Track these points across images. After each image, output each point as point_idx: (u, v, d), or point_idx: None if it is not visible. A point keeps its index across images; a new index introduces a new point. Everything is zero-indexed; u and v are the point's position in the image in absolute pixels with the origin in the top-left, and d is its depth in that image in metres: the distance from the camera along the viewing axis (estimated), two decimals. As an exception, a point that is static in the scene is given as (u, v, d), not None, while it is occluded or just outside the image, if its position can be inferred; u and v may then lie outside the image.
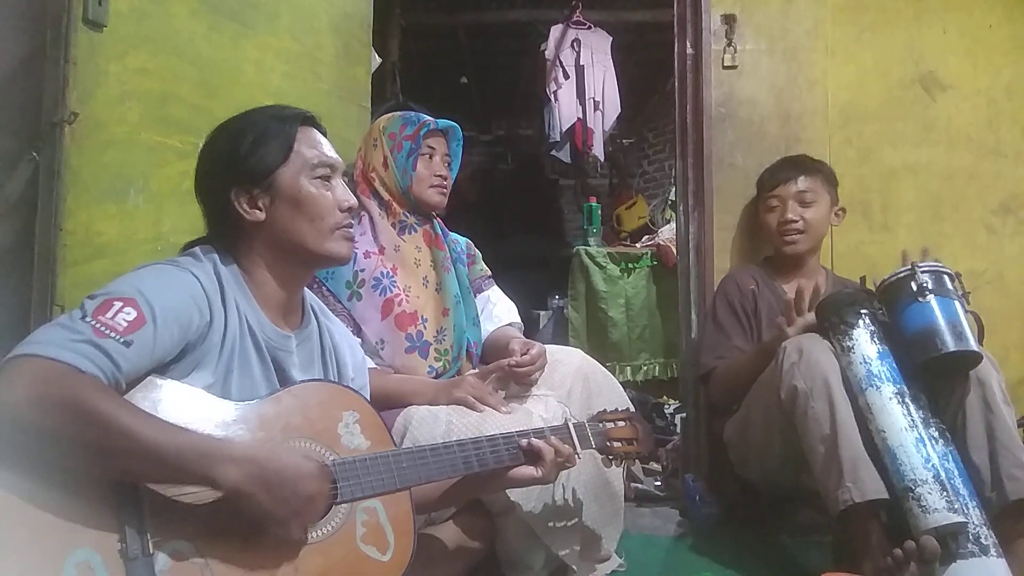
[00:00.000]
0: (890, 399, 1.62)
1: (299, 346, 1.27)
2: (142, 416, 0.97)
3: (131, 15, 1.68)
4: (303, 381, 1.22)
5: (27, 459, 0.92)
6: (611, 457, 1.50)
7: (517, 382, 1.66)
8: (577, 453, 1.42)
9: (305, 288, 1.34)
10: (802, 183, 2.19)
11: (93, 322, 0.99)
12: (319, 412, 1.17)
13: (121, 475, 0.96)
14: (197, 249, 1.21)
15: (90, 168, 1.59)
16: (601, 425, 1.51)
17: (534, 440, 1.35)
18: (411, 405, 1.60)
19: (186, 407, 1.06)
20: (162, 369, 1.07)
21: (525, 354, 1.65)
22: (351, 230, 1.27)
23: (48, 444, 0.92)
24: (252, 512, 0.99)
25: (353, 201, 1.27)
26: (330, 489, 1.10)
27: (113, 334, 0.99)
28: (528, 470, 1.35)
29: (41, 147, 1.54)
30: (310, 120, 1.27)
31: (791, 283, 2.21)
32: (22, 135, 1.57)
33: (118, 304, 1.02)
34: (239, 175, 1.19)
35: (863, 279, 1.92)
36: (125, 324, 1.01)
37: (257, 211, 1.20)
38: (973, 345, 1.67)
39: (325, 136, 1.29)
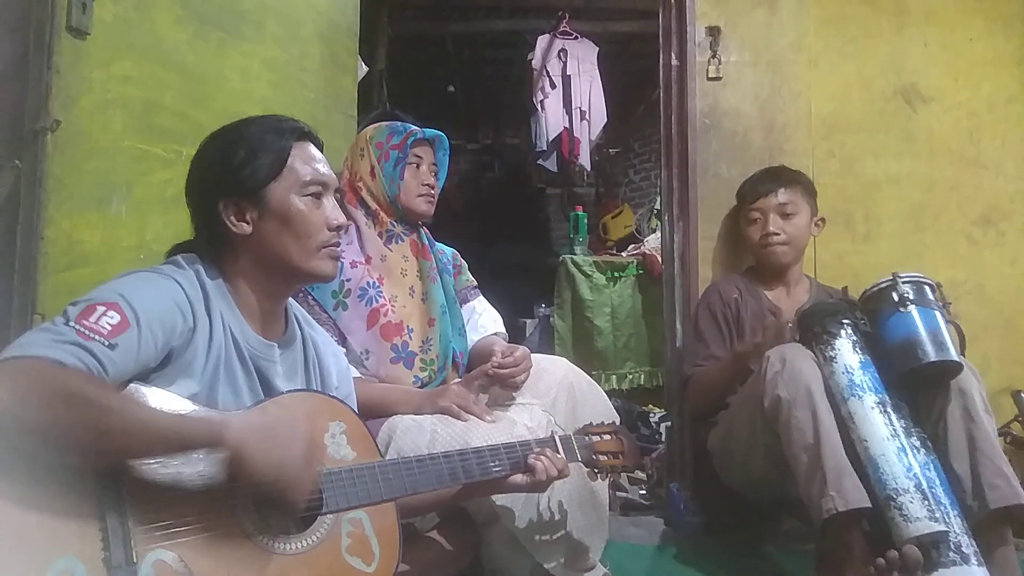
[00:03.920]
0: (872, 408, 1.63)
1: (283, 356, 1.26)
2: (134, 400, 1.01)
3: (115, 23, 1.67)
4: (289, 391, 1.22)
5: (11, 465, 0.91)
6: (597, 471, 1.50)
7: (502, 386, 1.65)
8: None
9: (289, 298, 1.33)
10: (782, 195, 2.21)
11: (77, 326, 0.99)
12: (305, 422, 1.16)
13: (119, 455, 0.96)
14: (179, 258, 1.20)
15: (73, 176, 1.58)
16: (587, 438, 1.51)
17: (541, 458, 1.36)
18: (395, 414, 1.60)
19: (171, 416, 1.05)
20: (146, 377, 1.07)
21: (508, 356, 1.65)
22: (338, 248, 1.26)
23: (40, 440, 0.91)
24: (259, 469, 0.99)
25: (343, 220, 1.25)
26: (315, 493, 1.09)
27: (98, 337, 0.99)
28: (518, 477, 1.36)
29: (23, 154, 1.52)
30: (307, 135, 1.26)
31: (774, 292, 2.23)
32: (4, 142, 1.55)
33: (101, 308, 1.02)
34: (229, 187, 1.19)
35: (845, 289, 1.93)
36: (109, 328, 1.00)
37: (244, 224, 1.19)
38: (954, 355, 1.68)
39: (321, 150, 1.27)
